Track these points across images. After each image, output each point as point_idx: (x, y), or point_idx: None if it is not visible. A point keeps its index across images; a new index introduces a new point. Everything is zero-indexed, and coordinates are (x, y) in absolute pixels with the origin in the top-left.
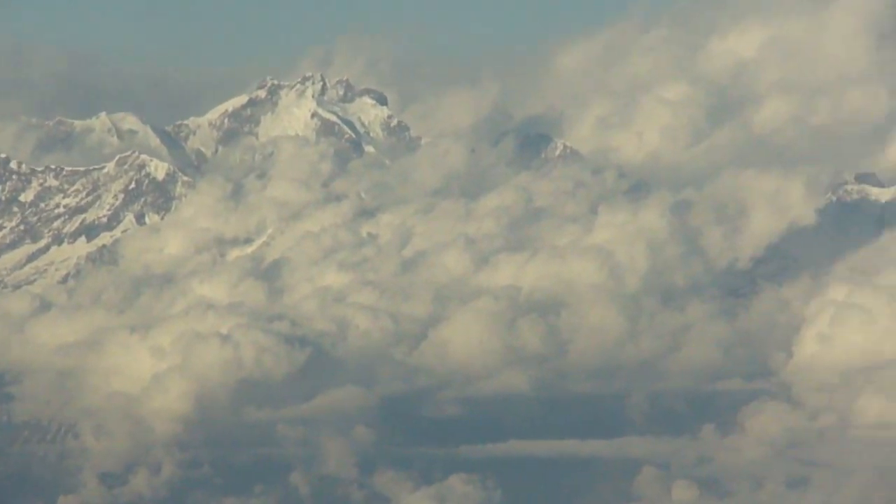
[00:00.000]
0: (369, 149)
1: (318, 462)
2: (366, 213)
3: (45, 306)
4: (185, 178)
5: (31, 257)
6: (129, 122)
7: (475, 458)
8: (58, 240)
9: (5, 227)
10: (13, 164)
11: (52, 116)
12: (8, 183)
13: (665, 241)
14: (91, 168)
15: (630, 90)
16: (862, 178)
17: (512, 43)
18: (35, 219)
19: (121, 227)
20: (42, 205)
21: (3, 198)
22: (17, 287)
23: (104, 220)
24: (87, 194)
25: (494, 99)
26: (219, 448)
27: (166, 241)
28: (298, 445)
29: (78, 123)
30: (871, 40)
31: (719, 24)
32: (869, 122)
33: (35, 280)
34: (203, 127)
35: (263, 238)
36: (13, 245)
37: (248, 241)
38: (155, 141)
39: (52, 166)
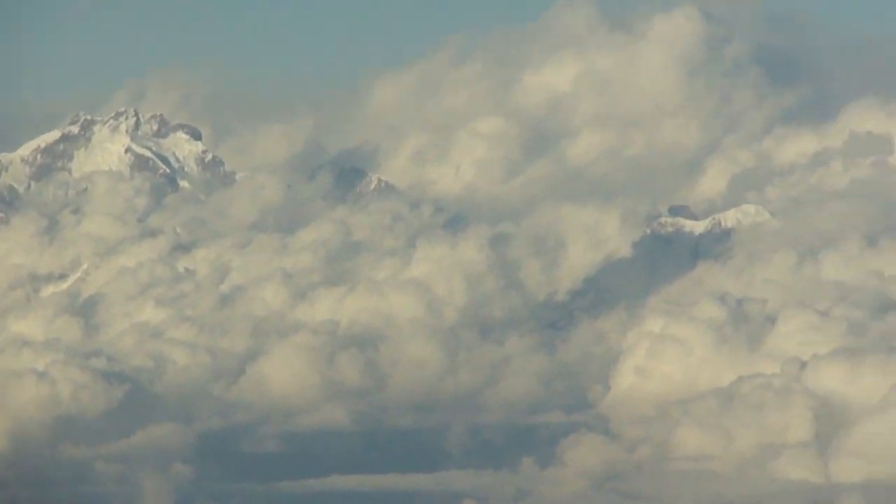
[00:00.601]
0: (184, 184)
1: (136, 499)
2: (182, 248)
3: None
4: None
5: None
6: None
7: (296, 494)
8: None
9: None
10: None
11: None
12: None
13: (483, 274)
14: None
15: (445, 124)
16: (675, 211)
17: (326, 77)
18: None
19: None
20: None
21: None
22: None
23: None
24: None
25: (309, 133)
26: (35, 486)
27: None
28: (116, 482)
29: None
30: (682, 73)
31: (533, 59)
32: (681, 154)
33: None
34: (15, 163)
35: (79, 273)
36: None
37: (63, 276)
38: None
39: None
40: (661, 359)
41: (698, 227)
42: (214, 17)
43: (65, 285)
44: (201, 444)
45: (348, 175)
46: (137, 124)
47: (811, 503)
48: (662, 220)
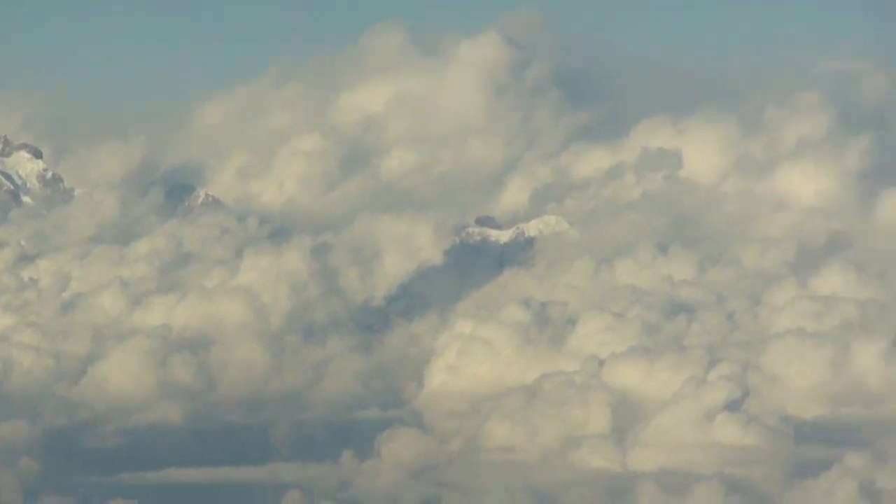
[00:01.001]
0: (27, 199)
1: None
2: (26, 259)
3: None
4: None
5: None
6: None
7: (134, 485)
8: None
9: None
10: None
11: None
12: None
13: (306, 281)
14: None
15: (268, 142)
16: (482, 222)
17: (159, 99)
18: None
19: None
20: None
21: None
22: None
23: None
24: None
25: (143, 152)
26: None
27: None
28: None
29: None
30: (487, 95)
31: (349, 81)
32: (487, 169)
33: None
34: None
35: None
36: None
37: None
38: None
39: None
40: (470, 358)
41: (503, 236)
42: (55, 41)
43: None
44: (46, 439)
45: (178, 190)
46: None
47: (609, 490)
48: (470, 230)
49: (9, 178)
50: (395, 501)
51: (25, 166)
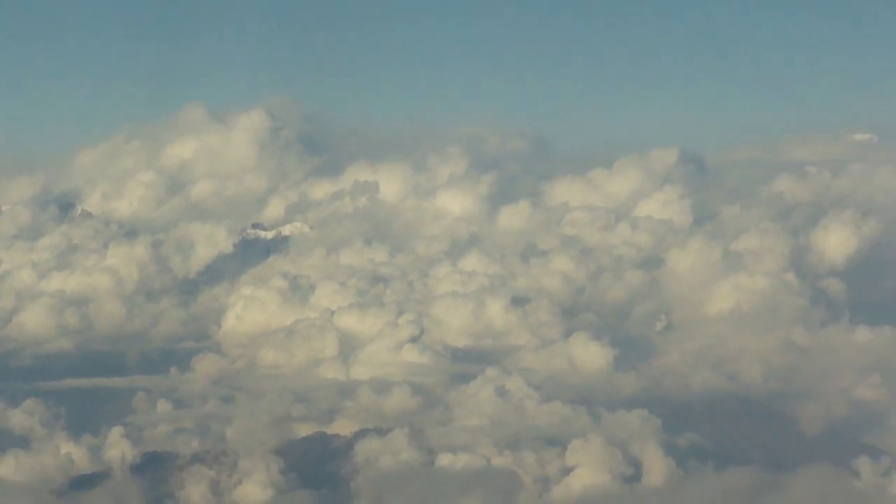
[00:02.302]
0: None
1: None
2: None
3: None
4: None
5: None
6: None
7: (44, 389)
8: None
9: None
10: None
11: None
12: None
13: (147, 263)
14: None
15: (121, 175)
16: (256, 226)
17: (46, 145)
18: None
19: None
20: None
21: None
22: None
23: None
24: None
25: (42, 182)
26: None
27: None
28: None
29: None
30: (257, 148)
31: (171, 139)
32: (258, 194)
33: None
34: None
35: None
36: None
37: None
38: None
39: None
40: (250, 310)
41: (269, 234)
42: None
43: None
44: None
45: (65, 206)
46: None
47: (340, 392)
48: (248, 231)
49: None
50: (205, 398)
51: None
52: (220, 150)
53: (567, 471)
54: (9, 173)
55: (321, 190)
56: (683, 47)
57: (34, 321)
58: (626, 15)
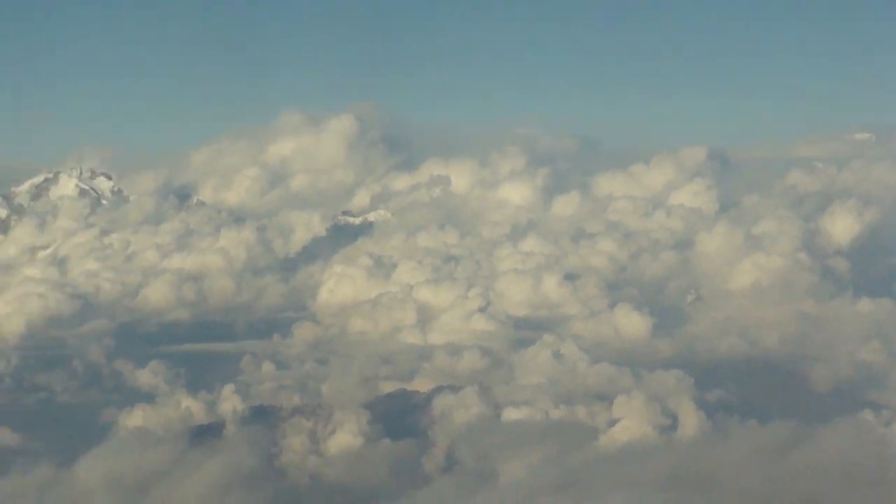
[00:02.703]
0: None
1: None
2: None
3: None
4: None
5: None
6: None
7: (170, 353)
8: None
9: None
10: None
11: None
12: None
13: (254, 245)
14: None
15: (232, 170)
16: (346, 213)
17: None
18: None
19: None
20: None
21: None
22: None
23: None
24: None
25: (166, 175)
26: None
27: None
28: None
29: None
30: (347, 147)
31: (273, 139)
32: (348, 185)
33: None
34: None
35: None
36: None
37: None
38: None
39: None
40: (341, 285)
41: (357, 221)
42: None
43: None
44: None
45: (182, 196)
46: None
47: (419, 356)
48: (339, 218)
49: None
50: (303, 360)
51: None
52: (314, 148)
53: (613, 422)
54: (136, 168)
55: (401, 182)
56: (711, 59)
57: (157, 295)
58: (662, 38)
